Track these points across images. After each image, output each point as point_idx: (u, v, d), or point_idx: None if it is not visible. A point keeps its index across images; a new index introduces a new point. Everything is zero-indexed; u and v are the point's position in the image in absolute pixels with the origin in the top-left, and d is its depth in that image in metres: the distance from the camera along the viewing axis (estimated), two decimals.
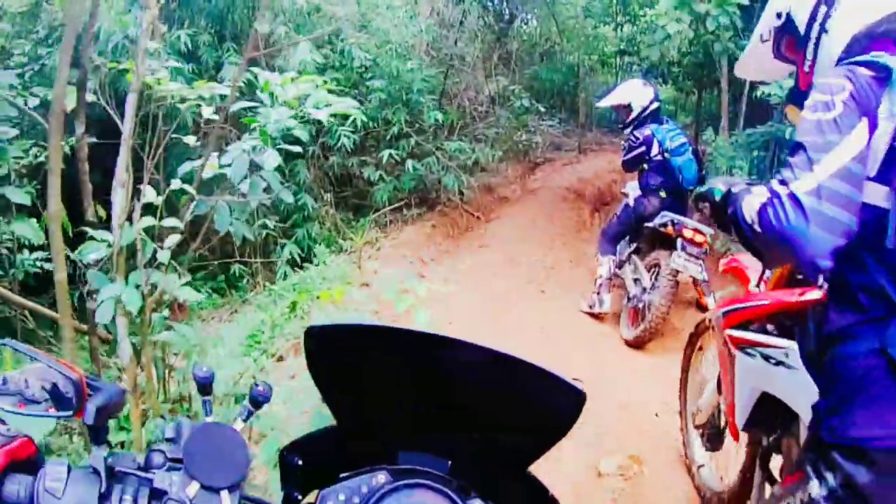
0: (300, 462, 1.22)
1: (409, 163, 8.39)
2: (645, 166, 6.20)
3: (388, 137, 8.55)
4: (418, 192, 9.10)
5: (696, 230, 5.66)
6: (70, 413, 0.99)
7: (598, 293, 6.49)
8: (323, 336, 1.14)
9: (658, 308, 5.65)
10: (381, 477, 1.12)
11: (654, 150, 6.09)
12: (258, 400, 1.09)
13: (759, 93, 6.99)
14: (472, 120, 11.44)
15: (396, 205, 8.68)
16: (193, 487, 0.96)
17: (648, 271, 6.13)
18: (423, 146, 8.71)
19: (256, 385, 1.09)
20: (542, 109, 12.99)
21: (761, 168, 7.74)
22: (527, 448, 1.22)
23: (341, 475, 1.13)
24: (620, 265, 6.55)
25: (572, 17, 14.88)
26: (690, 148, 6.19)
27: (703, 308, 6.12)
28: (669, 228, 5.80)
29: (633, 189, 6.59)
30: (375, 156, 8.50)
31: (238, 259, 7.57)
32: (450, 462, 1.17)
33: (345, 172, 8.79)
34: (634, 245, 6.49)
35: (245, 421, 1.08)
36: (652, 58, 8.49)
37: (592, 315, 6.54)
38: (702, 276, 5.60)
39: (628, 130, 6.30)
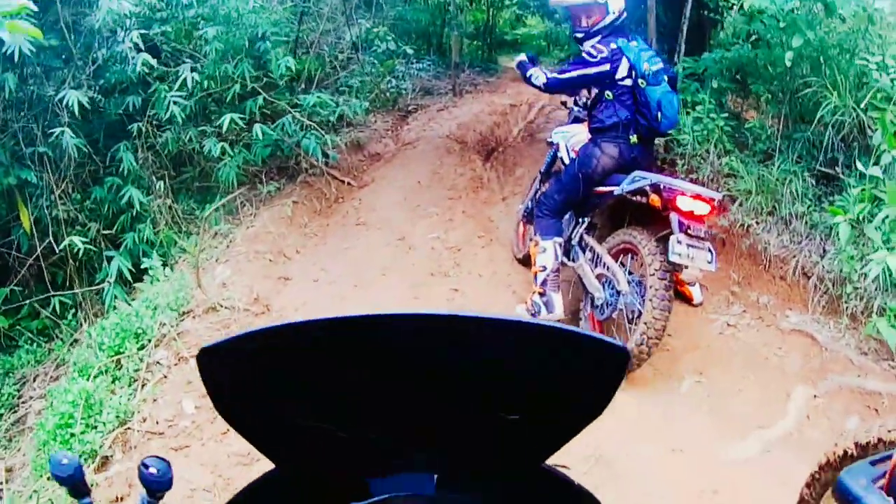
0: None
1: (258, 127, 6.44)
2: (606, 95, 4.60)
3: (231, 98, 6.62)
4: (274, 162, 7.34)
5: (698, 196, 4.10)
6: None
7: (543, 293, 4.70)
8: (220, 358, 0.80)
9: (651, 324, 3.99)
10: None
11: (622, 71, 4.55)
12: (153, 487, 0.88)
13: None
14: (333, 70, 10.04)
15: (252, 182, 6.95)
16: None
17: (617, 260, 4.49)
18: (274, 105, 6.89)
19: (145, 466, 0.88)
20: (410, 52, 11.62)
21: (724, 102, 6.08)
22: (542, 436, 0.95)
23: None
24: (567, 251, 4.87)
25: None
26: (667, 77, 4.67)
27: (686, 299, 4.82)
28: (653, 197, 4.23)
29: (570, 136, 5.07)
30: (217, 124, 6.54)
31: (54, 293, 5.86)
32: (436, 476, 0.93)
33: (182, 150, 6.77)
34: (585, 221, 4.89)
35: None
36: None
37: None
38: (712, 267, 4.07)
39: (588, 43, 4.63)
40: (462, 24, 14.00)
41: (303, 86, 8.01)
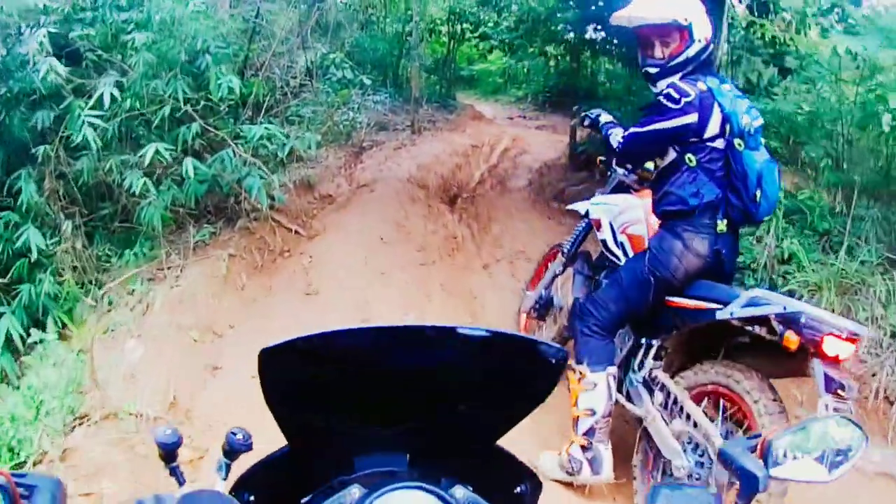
0: (252, 498, 1.13)
1: (189, 162, 5.05)
2: (687, 160, 3.20)
3: (160, 122, 5.25)
4: (212, 199, 6.01)
5: (853, 337, 2.74)
6: None
7: (587, 446, 3.31)
8: (275, 357, 0.98)
9: None
10: (356, 491, 1.00)
11: (714, 126, 3.15)
12: (235, 449, 1.06)
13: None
14: (284, 96, 9.02)
15: (182, 225, 5.62)
16: None
17: (699, 405, 3.14)
18: (213, 134, 5.62)
19: (233, 433, 1.07)
20: (367, 82, 10.67)
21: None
22: (494, 421, 1.17)
23: (303, 500, 1.07)
24: (620, 384, 3.45)
25: None
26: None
27: None
28: (788, 336, 2.78)
29: (618, 211, 3.71)
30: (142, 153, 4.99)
31: None
32: (408, 455, 1.12)
33: (101, 181, 5.31)
34: (653, 345, 3.42)
35: (225, 478, 1.03)
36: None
37: (570, 486, 3.36)
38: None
39: (664, 82, 3.25)
40: (422, 55, 13.15)
41: (249, 113, 6.93)
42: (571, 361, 3.30)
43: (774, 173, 3.22)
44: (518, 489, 1.22)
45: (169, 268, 5.01)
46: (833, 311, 4.01)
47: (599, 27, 9.30)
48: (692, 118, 3.12)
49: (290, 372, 1.03)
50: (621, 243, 3.64)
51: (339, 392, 1.08)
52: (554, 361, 1.06)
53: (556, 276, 4.38)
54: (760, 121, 3.23)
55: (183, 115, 5.41)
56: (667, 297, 3.28)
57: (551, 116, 15.21)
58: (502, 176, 9.25)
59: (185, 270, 4.96)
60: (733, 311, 2.98)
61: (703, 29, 3.23)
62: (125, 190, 5.17)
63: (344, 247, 5.85)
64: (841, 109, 4.45)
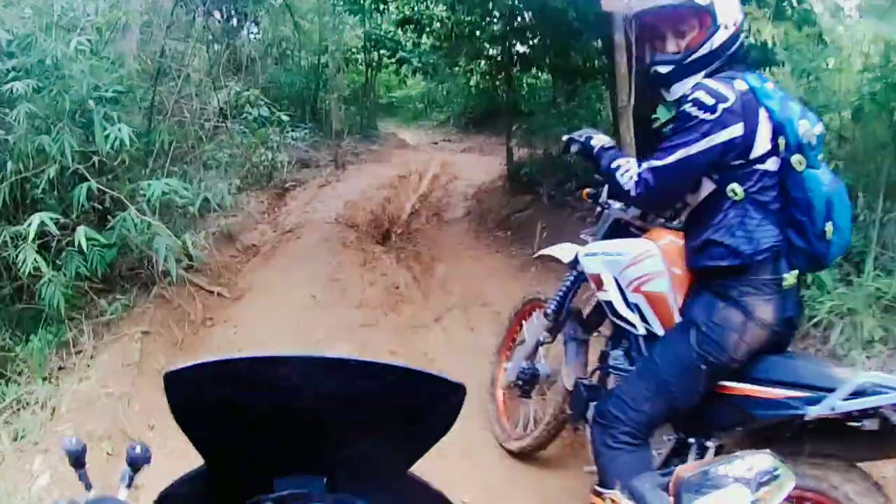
0: None
1: (81, 232, 4.30)
2: (730, 192, 2.29)
3: (45, 185, 4.47)
4: (126, 263, 5.25)
5: None
6: None
7: None
8: (180, 379, 1.03)
9: None
10: None
11: (763, 140, 2.26)
12: (137, 462, 1.06)
13: None
14: (199, 140, 8.47)
15: (91, 301, 4.78)
16: None
17: None
18: (112, 193, 4.77)
19: (133, 447, 1.07)
20: (285, 119, 10.18)
21: None
22: (406, 450, 1.19)
23: None
24: None
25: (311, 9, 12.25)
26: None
27: None
28: None
29: (623, 263, 2.71)
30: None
31: None
32: (325, 479, 1.15)
33: None
34: (710, 447, 2.43)
35: (129, 487, 1.03)
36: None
37: None
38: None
39: (685, 84, 2.37)
40: (340, 87, 12.71)
41: (162, 161, 6.34)
42: (595, 486, 2.47)
43: (845, 197, 2.34)
44: None
45: (79, 352, 4.32)
46: (884, 340, 3.44)
47: (529, 37, 8.92)
48: (736, 130, 2.22)
49: (198, 395, 1.05)
50: (635, 305, 2.67)
51: (251, 415, 1.10)
52: (455, 395, 1.08)
53: (539, 345, 3.50)
54: (821, 127, 2.36)
55: (71, 174, 4.78)
56: (723, 383, 2.37)
57: (476, 138, 14.97)
58: (437, 206, 8.84)
59: (96, 357, 4.25)
60: (835, 406, 2.06)
61: (729, 12, 2.36)
62: (15, 265, 4.51)
63: (273, 311, 5.23)
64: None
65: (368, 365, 1.08)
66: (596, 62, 8.27)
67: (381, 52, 13.74)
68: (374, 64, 14.18)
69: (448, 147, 14.29)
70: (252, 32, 13.86)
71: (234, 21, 13.00)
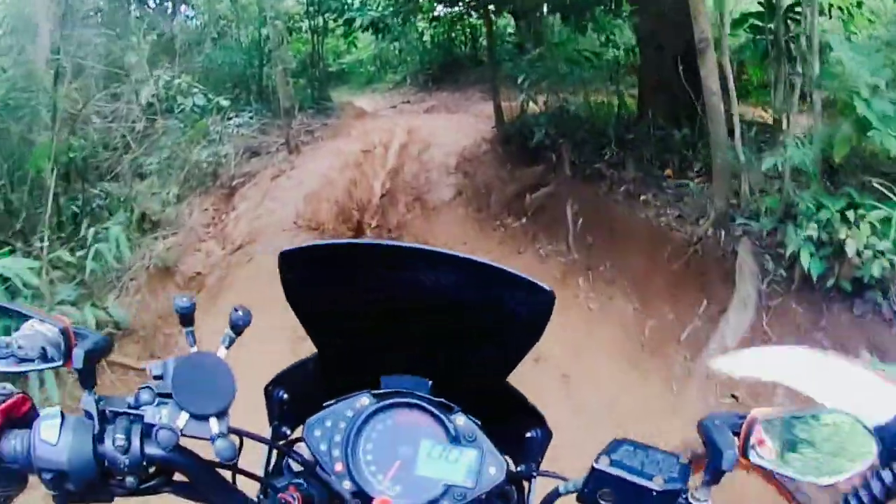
0: (285, 396, 1.21)
1: None
2: None
3: None
4: None
5: None
6: (60, 363, 0.98)
7: None
8: (297, 259, 1.09)
9: None
10: (365, 400, 1.10)
11: None
12: (238, 325, 1.03)
13: None
14: (127, 147, 7.38)
15: None
16: (182, 418, 0.93)
17: None
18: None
19: (236, 310, 1.04)
20: (225, 104, 9.02)
21: None
22: (503, 358, 1.19)
23: (325, 403, 1.12)
24: None
25: None
26: None
27: None
28: None
29: None
30: None
31: None
32: (430, 382, 1.15)
33: None
34: None
35: (227, 348, 1.03)
36: None
37: None
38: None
39: None
40: (284, 59, 11.47)
41: (79, 182, 5.20)
42: None
43: None
44: (529, 434, 1.22)
45: None
46: None
47: None
48: None
49: (310, 276, 1.09)
50: None
51: (360, 306, 1.11)
52: (546, 299, 1.08)
53: None
54: None
55: None
56: None
57: (438, 95, 13.87)
58: (415, 187, 7.49)
59: None
60: None
61: None
62: None
63: None
64: None
65: (472, 262, 1.06)
66: None
67: (327, 15, 12.44)
68: (320, 29, 12.87)
69: (409, 109, 13.09)
70: (187, 14, 12.69)
71: (169, 6, 11.87)
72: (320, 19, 12.73)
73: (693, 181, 5.56)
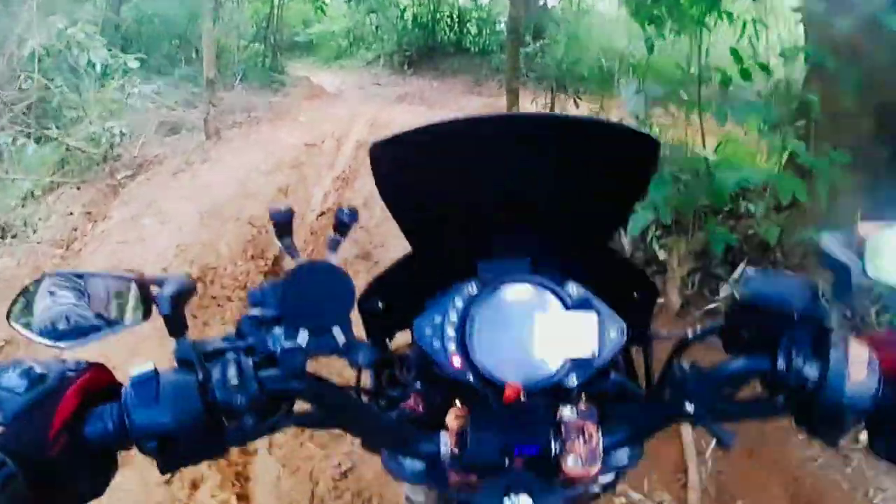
0: (381, 305, 1.13)
1: None
2: None
3: None
4: None
5: None
6: (139, 320, 0.84)
7: None
8: (387, 150, 0.93)
9: None
10: (472, 287, 0.96)
11: None
12: (345, 223, 0.94)
13: None
14: None
15: None
16: (303, 336, 0.82)
17: None
18: None
19: (341, 209, 0.95)
20: (134, 65, 7.00)
21: None
22: (609, 215, 1.11)
23: (428, 301, 1.01)
24: None
25: None
26: None
27: None
28: None
29: None
30: None
31: None
32: (529, 259, 1.04)
33: None
34: None
35: (335, 251, 0.91)
36: None
37: None
38: None
39: None
40: (231, 18, 9.40)
41: None
42: None
43: None
44: (636, 295, 1.16)
45: None
46: None
47: None
48: None
49: (401, 166, 0.99)
50: None
51: (452, 191, 1.03)
52: (649, 147, 0.98)
53: None
54: None
55: None
56: None
57: (415, 81, 12.17)
58: (369, 228, 4.92)
59: None
60: None
61: None
62: None
63: None
64: None
65: (568, 119, 1.00)
66: None
67: None
68: None
69: (378, 94, 11.17)
70: None
71: None
72: None
73: None
